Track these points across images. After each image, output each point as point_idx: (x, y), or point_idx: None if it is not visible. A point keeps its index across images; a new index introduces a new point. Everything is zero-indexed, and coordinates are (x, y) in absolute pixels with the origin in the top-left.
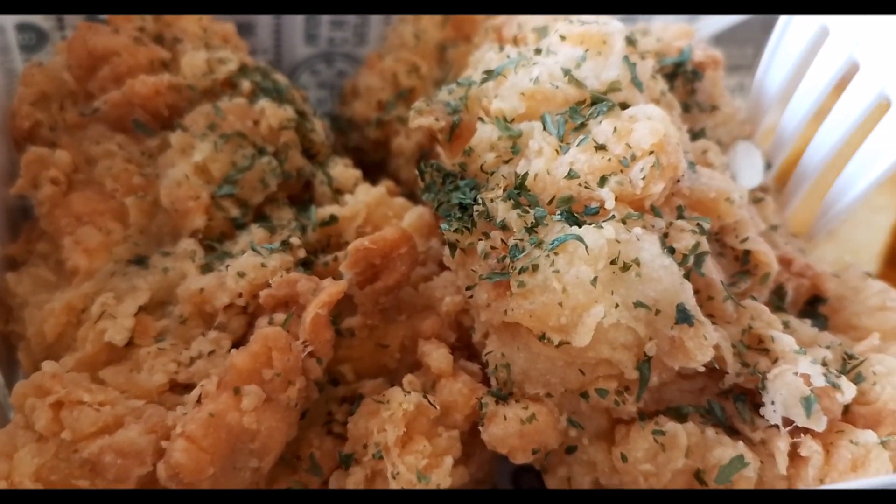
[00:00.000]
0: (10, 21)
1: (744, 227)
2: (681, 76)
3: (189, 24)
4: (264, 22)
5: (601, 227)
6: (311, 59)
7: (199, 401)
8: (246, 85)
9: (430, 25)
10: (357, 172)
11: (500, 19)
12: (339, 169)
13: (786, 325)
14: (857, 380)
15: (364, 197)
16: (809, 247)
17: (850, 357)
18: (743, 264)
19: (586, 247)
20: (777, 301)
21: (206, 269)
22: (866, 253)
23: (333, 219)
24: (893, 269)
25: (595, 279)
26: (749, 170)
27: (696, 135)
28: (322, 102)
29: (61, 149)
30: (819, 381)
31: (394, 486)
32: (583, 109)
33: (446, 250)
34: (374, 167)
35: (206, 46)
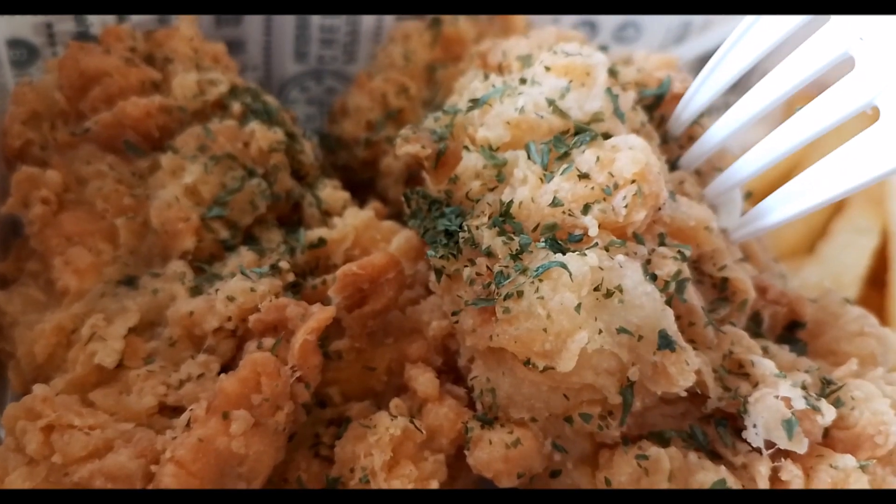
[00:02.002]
0: (0, 37)
1: (721, 256)
2: (660, 107)
3: (180, 43)
4: (254, 39)
5: (585, 254)
6: (301, 76)
7: (188, 425)
8: (236, 107)
9: (420, 46)
10: (345, 195)
11: (484, 46)
12: (327, 191)
13: (765, 351)
14: (835, 405)
15: (352, 220)
16: (789, 270)
17: (829, 382)
18: (721, 291)
19: (570, 274)
20: (755, 327)
21: (195, 291)
22: (850, 275)
23: (322, 241)
24: (876, 290)
25: (579, 306)
26: (726, 207)
27: (673, 165)
28: (311, 118)
29: (52, 168)
30: (800, 404)
31: None
32: (566, 139)
33: (432, 276)
34: (362, 186)
35: (196, 67)
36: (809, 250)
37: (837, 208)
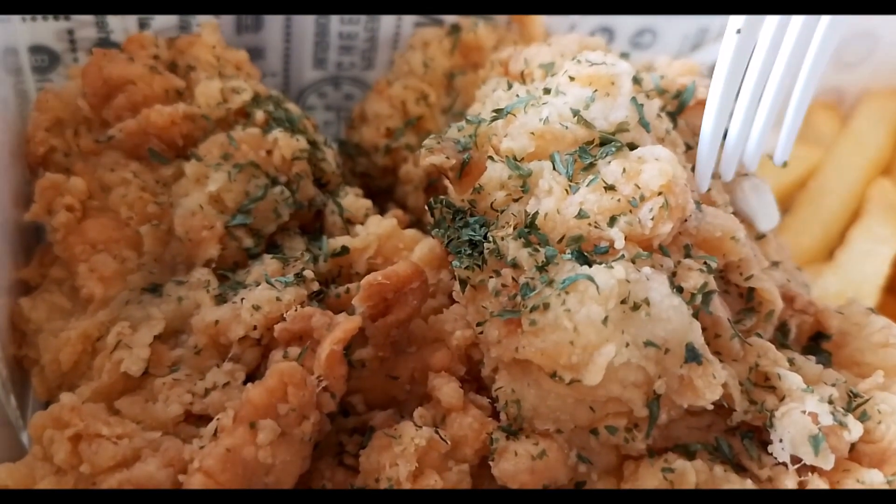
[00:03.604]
0: (22, 43)
1: (748, 265)
2: (684, 113)
3: (202, 51)
4: (274, 46)
5: (611, 267)
6: (319, 82)
7: (215, 434)
8: (259, 115)
9: (439, 53)
10: (367, 202)
11: (506, 53)
12: (349, 199)
13: (791, 363)
14: (861, 418)
15: (375, 229)
16: (811, 277)
17: (855, 395)
18: (747, 301)
19: (597, 287)
20: (781, 338)
21: (220, 299)
22: (870, 284)
23: (345, 250)
24: (894, 298)
25: (606, 319)
26: (764, 211)
27: None
28: (329, 124)
29: (76, 175)
30: (827, 420)
31: None
32: (592, 149)
33: (457, 286)
34: (381, 192)
35: (219, 75)
36: (827, 258)
37: (855, 216)
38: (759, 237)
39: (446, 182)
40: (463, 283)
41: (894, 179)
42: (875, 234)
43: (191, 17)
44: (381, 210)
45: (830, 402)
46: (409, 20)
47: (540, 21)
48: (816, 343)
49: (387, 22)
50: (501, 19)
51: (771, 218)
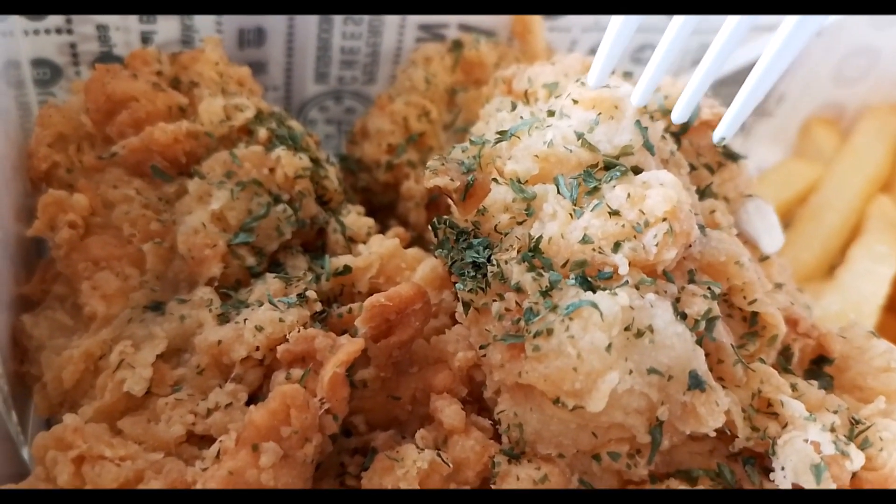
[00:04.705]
0: (24, 56)
1: (752, 289)
2: (688, 134)
3: (205, 67)
4: (276, 61)
5: (616, 293)
6: (321, 96)
7: (217, 457)
8: (262, 132)
9: (441, 69)
10: (370, 221)
11: (510, 71)
12: (352, 217)
13: (793, 388)
14: (863, 445)
15: (378, 248)
16: (812, 297)
17: (857, 422)
18: (751, 326)
19: (601, 313)
20: (784, 362)
21: (222, 318)
22: (870, 304)
23: (347, 269)
24: (894, 316)
25: (609, 346)
26: (768, 232)
27: (702, 193)
28: (330, 138)
29: (78, 191)
30: (829, 449)
31: None
32: (596, 173)
33: (460, 307)
34: (382, 208)
35: (222, 91)
36: (827, 274)
37: (855, 233)
38: (763, 259)
39: (449, 201)
40: (466, 305)
41: (894, 196)
42: (875, 252)
43: (193, 32)
44: (382, 226)
45: (833, 430)
46: (410, 35)
47: (541, 37)
48: (818, 366)
49: (388, 37)
50: (503, 35)
51: (775, 240)
